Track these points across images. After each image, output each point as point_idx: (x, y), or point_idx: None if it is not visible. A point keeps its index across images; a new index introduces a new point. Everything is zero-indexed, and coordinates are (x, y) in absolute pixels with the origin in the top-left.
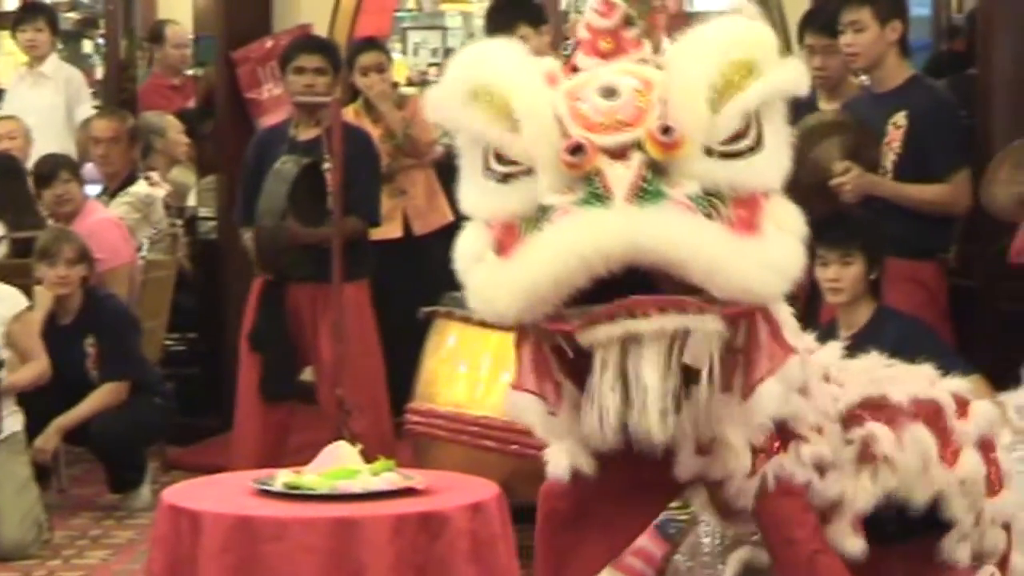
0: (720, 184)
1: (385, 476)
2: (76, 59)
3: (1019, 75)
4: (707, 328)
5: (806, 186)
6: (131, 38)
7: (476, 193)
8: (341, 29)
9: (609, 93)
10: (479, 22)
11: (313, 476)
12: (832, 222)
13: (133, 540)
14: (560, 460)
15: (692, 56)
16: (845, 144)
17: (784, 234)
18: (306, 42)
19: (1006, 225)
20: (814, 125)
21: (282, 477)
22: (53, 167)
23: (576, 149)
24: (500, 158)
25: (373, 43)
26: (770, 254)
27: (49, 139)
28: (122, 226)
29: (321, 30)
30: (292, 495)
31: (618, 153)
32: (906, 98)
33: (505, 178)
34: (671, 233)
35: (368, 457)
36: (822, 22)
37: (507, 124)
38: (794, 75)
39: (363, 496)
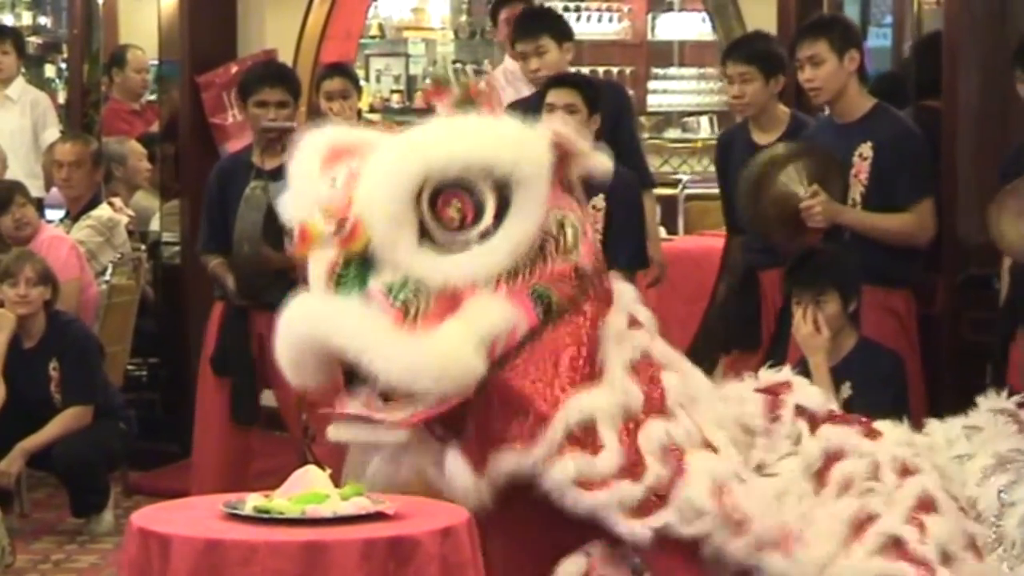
0: (422, 277)
1: (355, 500)
2: (39, 83)
3: (984, 106)
4: (390, 440)
5: (772, 219)
6: (93, 63)
7: None
8: (306, 55)
9: (334, 181)
10: (442, 48)
11: (283, 500)
12: (801, 262)
13: (96, 564)
14: None
15: (390, 153)
16: (809, 169)
17: (461, 330)
18: (267, 74)
19: (971, 255)
20: (772, 157)
21: (252, 501)
22: (7, 193)
23: (300, 235)
24: None
25: (339, 68)
26: (433, 352)
27: (16, 163)
28: (74, 245)
29: (286, 55)
30: (261, 519)
31: (324, 241)
32: (870, 128)
33: None
34: (337, 323)
35: (337, 482)
36: (738, 51)
37: None
38: (539, 164)
39: (333, 520)
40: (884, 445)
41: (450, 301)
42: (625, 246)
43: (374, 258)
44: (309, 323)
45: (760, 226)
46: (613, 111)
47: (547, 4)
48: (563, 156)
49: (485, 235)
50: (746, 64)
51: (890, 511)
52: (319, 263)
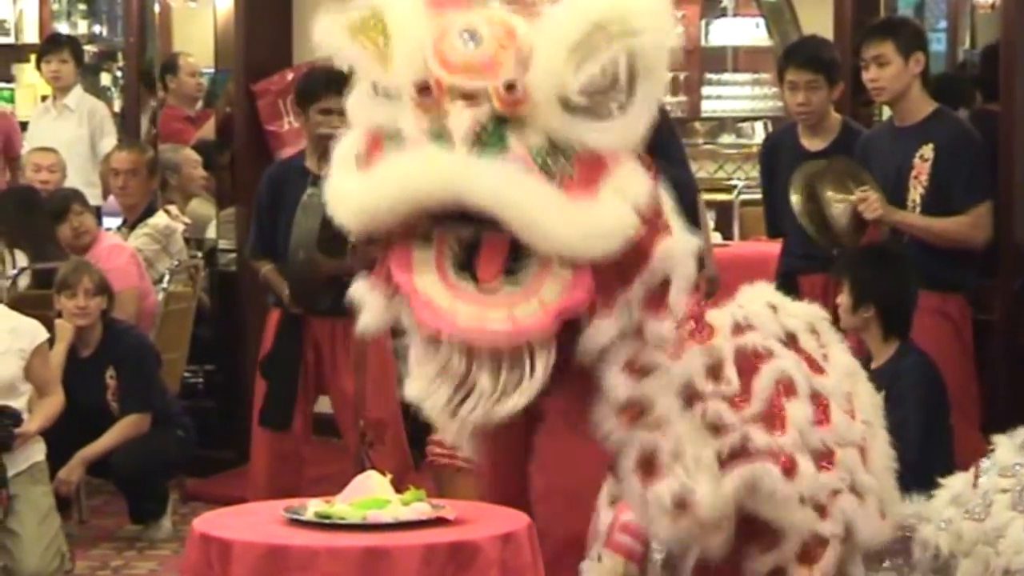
0: (569, 140)
1: (415, 506)
2: (94, 91)
3: None
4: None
5: (843, 231)
6: (148, 71)
7: (356, 101)
8: None
9: (471, 37)
10: None
11: (343, 506)
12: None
13: (154, 571)
14: None
15: (561, 13)
16: (846, 174)
17: (618, 200)
18: (331, 81)
19: None
20: (813, 173)
21: (313, 506)
22: (64, 201)
23: (422, 89)
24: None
25: None
26: (597, 219)
27: (73, 171)
28: (133, 253)
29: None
30: (322, 524)
31: (470, 97)
32: (932, 131)
33: (385, 93)
34: (494, 187)
35: (398, 487)
36: (804, 57)
37: (380, 36)
38: (666, 35)
39: (393, 526)
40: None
41: (592, 168)
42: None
43: (518, 120)
44: (447, 178)
45: (834, 242)
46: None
47: None
48: None
49: (621, 105)
50: (813, 72)
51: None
52: (455, 121)
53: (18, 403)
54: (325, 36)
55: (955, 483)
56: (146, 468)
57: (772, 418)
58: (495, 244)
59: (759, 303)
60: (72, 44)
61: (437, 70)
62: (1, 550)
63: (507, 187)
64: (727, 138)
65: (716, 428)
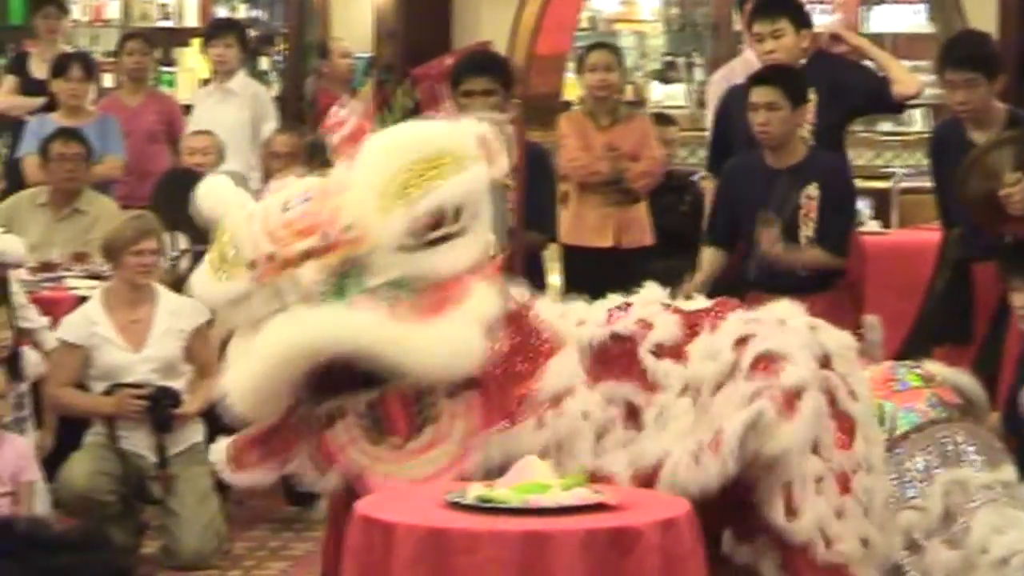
0: (407, 275)
1: (576, 491)
2: (253, 75)
3: None
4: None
5: (974, 194)
6: (306, 56)
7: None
8: (521, 46)
9: (284, 207)
10: (652, 41)
11: (504, 490)
12: (1019, 249)
13: (311, 552)
14: None
15: (375, 157)
16: (1019, 156)
17: (465, 317)
18: (472, 63)
19: None
20: (993, 140)
21: (474, 490)
22: None
23: (252, 265)
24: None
25: (603, 43)
26: (442, 338)
27: (234, 155)
28: None
29: (501, 47)
30: (483, 508)
31: (298, 261)
32: None
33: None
34: (338, 329)
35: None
36: (959, 55)
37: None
38: (479, 168)
39: (554, 510)
40: None
41: (436, 295)
42: (832, 228)
43: (357, 266)
44: (309, 332)
45: (964, 203)
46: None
47: None
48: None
49: (450, 236)
50: (972, 71)
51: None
52: (289, 283)
53: (179, 383)
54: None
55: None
56: None
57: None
58: (395, 398)
59: (796, 321)
60: (237, 29)
61: (266, 247)
62: (161, 530)
63: (347, 327)
64: (886, 126)
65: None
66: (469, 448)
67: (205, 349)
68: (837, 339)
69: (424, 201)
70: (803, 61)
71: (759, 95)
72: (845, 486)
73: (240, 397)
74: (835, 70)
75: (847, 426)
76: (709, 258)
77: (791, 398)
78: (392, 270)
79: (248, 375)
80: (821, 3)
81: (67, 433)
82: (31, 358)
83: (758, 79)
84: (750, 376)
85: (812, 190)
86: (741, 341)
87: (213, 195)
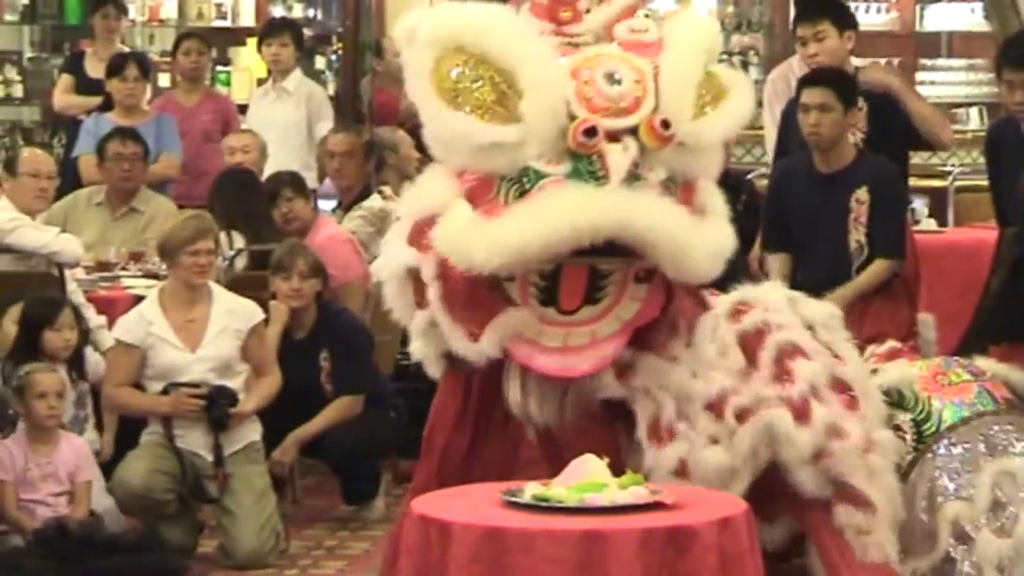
0: (676, 171)
1: (632, 490)
2: (309, 74)
3: None
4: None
5: None
6: (363, 55)
7: (454, 143)
8: None
9: (612, 79)
10: None
11: (561, 489)
12: None
13: (368, 551)
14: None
15: (686, 55)
16: None
17: (719, 219)
18: None
19: None
20: None
21: (530, 489)
22: (276, 186)
23: (590, 132)
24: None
25: None
26: (715, 240)
27: (290, 154)
28: (353, 241)
29: None
30: (540, 507)
31: (615, 136)
32: None
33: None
34: (654, 217)
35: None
36: (1018, 55)
37: (494, 90)
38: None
39: (611, 509)
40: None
41: (688, 192)
42: (885, 231)
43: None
44: (611, 212)
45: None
46: None
47: None
48: None
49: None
50: None
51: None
52: (612, 159)
53: (235, 383)
54: (415, 77)
55: None
56: (360, 449)
57: (780, 376)
58: (574, 275)
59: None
60: (293, 28)
61: (584, 115)
62: (218, 529)
63: (663, 218)
64: None
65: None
66: (627, 332)
67: (261, 348)
68: (818, 309)
69: (724, 120)
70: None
71: (810, 96)
72: (868, 446)
73: (501, 249)
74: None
75: (846, 392)
76: (779, 266)
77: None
78: (666, 163)
79: (523, 232)
80: (877, 1)
81: (125, 434)
82: (93, 358)
83: (809, 80)
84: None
85: (862, 194)
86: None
87: (498, 25)
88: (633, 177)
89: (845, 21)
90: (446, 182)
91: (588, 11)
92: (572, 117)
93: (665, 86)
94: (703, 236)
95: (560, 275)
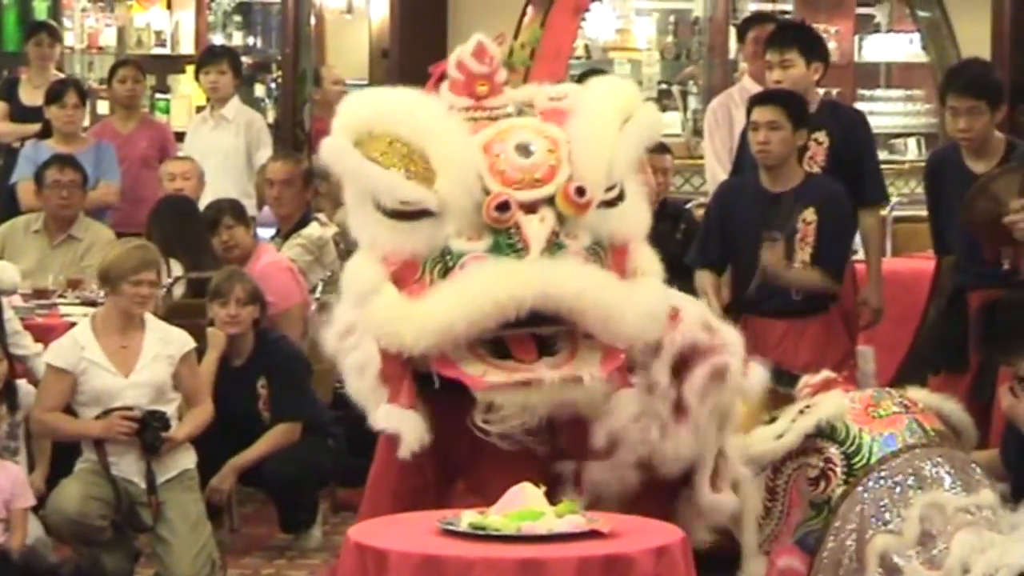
0: (603, 235)
1: (570, 518)
2: (248, 102)
3: None
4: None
5: (980, 218)
6: (301, 83)
7: (374, 228)
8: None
9: (524, 151)
10: (647, 70)
11: (498, 517)
12: (990, 322)
13: None
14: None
15: (597, 120)
16: None
17: (651, 279)
18: None
19: None
20: (1004, 168)
21: (467, 517)
22: (216, 213)
23: (502, 207)
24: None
25: (598, 71)
26: (646, 301)
27: (229, 182)
28: (292, 268)
29: None
30: (477, 535)
31: (532, 208)
32: None
33: (399, 216)
34: (578, 285)
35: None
36: (963, 82)
37: (409, 168)
38: (654, 122)
39: (548, 538)
40: None
41: (620, 254)
42: (832, 254)
43: (565, 222)
44: (534, 284)
45: (969, 228)
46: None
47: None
48: None
49: (620, 197)
50: (975, 99)
51: None
52: (529, 231)
53: (168, 409)
54: (335, 156)
55: None
56: (298, 477)
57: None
58: (519, 340)
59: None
60: (231, 56)
61: (498, 188)
62: (152, 557)
63: (587, 284)
64: (880, 154)
65: None
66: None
67: (193, 377)
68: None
69: (618, 161)
70: (813, 106)
71: (760, 114)
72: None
73: (428, 330)
74: (848, 122)
75: None
76: (711, 282)
77: None
78: (591, 228)
79: (447, 312)
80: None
81: (58, 462)
82: (24, 389)
83: (760, 99)
84: None
85: (809, 214)
86: None
87: (407, 108)
88: (555, 246)
89: (814, 53)
90: (374, 267)
91: (507, 83)
92: (487, 192)
93: (578, 153)
94: (632, 298)
95: (505, 338)
